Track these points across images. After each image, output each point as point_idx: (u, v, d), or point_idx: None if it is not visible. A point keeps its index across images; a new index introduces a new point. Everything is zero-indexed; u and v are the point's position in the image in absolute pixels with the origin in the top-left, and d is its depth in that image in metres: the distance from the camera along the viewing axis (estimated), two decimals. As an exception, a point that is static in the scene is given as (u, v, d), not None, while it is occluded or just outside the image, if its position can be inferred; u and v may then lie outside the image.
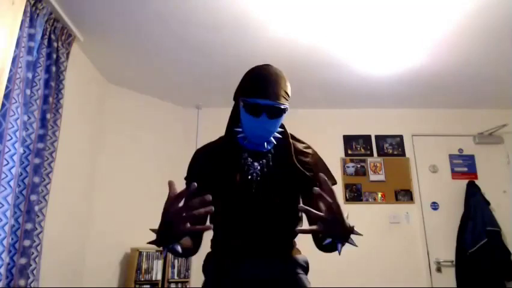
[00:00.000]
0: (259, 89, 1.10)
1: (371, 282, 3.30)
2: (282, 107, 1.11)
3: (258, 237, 1.17)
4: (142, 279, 2.98)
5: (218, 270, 1.18)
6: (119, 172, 3.33)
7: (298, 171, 1.19)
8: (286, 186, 1.19)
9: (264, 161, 1.20)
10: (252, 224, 1.17)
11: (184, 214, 0.87)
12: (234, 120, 1.23)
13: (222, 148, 1.24)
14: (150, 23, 2.52)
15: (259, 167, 1.19)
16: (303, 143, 1.29)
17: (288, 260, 1.18)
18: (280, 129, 1.21)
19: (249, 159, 1.20)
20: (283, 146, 1.22)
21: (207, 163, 1.23)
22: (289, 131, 1.27)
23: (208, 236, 1.21)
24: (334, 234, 0.94)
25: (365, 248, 3.41)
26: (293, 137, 1.27)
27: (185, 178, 1.26)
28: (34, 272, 2.06)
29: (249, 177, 1.18)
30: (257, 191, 1.16)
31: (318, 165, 1.24)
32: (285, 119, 1.22)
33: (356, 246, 0.98)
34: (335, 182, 1.23)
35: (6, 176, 1.82)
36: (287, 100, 1.14)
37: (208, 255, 1.26)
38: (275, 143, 1.21)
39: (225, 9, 2.35)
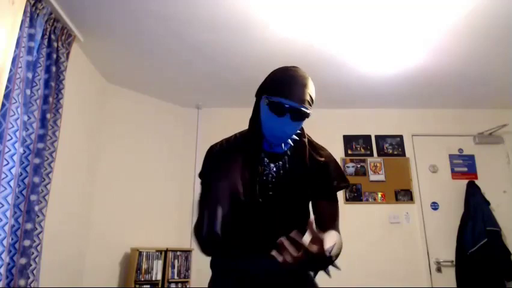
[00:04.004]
0: (287, 90, 1.09)
1: (371, 282, 3.29)
2: (306, 111, 1.11)
3: (269, 235, 1.18)
4: (142, 279, 2.97)
5: (227, 265, 1.19)
6: (119, 172, 3.33)
7: (311, 175, 1.21)
8: (299, 189, 1.21)
9: (280, 163, 1.21)
10: (264, 222, 1.19)
11: None
12: (255, 118, 1.21)
13: (241, 148, 1.22)
14: (150, 23, 2.52)
15: (275, 169, 1.20)
16: (318, 145, 1.30)
17: None
18: (297, 131, 1.22)
19: (266, 159, 1.21)
20: (299, 148, 1.23)
21: (223, 160, 1.21)
22: None
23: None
24: (312, 264, 0.94)
25: (364, 248, 3.44)
26: (310, 140, 1.28)
27: (200, 175, 1.26)
28: (34, 272, 2.06)
29: (264, 178, 1.19)
30: (272, 192, 1.18)
31: (331, 166, 1.25)
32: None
33: (339, 269, 0.98)
34: (347, 185, 1.26)
35: (6, 176, 1.82)
36: (310, 106, 1.14)
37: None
38: (292, 144, 1.21)
39: (225, 9, 2.35)
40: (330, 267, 0.98)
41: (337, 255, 1.06)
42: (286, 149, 1.22)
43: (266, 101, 1.13)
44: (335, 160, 1.29)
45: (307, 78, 1.14)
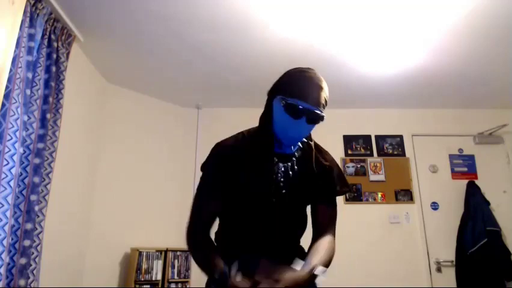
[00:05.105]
0: (304, 92, 1.09)
1: (371, 282, 3.29)
2: (321, 114, 1.11)
3: (272, 235, 1.20)
4: (142, 279, 2.97)
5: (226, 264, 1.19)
6: (119, 172, 3.33)
7: (317, 178, 1.22)
8: (304, 191, 1.22)
9: (289, 164, 1.21)
10: (269, 222, 1.19)
11: None
12: (267, 117, 1.20)
13: (252, 148, 1.20)
14: (150, 23, 2.52)
15: (283, 169, 1.20)
16: (323, 148, 1.31)
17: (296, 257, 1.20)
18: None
19: (275, 159, 1.21)
20: (306, 150, 1.24)
21: (231, 159, 1.19)
22: None
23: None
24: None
25: (364, 248, 3.44)
26: (316, 144, 1.29)
27: (203, 168, 1.24)
28: (34, 272, 2.06)
29: (274, 176, 1.19)
30: (280, 192, 1.19)
31: (335, 171, 1.27)
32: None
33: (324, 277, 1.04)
34: (347, 190, 1.29)
35: (6, 176, 1.82)
36: (324, 109, 1.14)
37: None
38: (301, 146, 1.23)
39: (225, 9, 2.35)
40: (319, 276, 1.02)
41: (327, 265, 1.09)
42: (295, 150, 1.23)
43: (283, 102, 1.11)
44: (337, 165, 1.31)
45: (322, 81, 1.14)
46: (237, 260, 1.15)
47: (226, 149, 1.22)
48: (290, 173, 1.20)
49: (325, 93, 1.13)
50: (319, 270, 1.01)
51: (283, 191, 1.19)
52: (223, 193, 1.21)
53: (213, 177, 1.21)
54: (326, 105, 1.15)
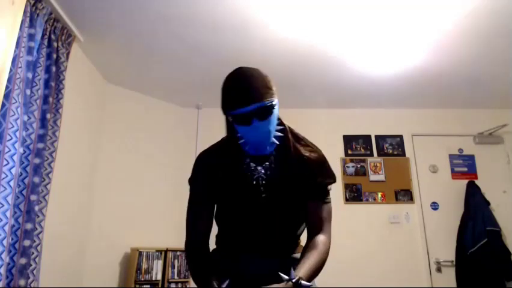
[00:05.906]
0: (237, 99, 1.07)
1: (371, 282, 3.29)
2: (268, 104, 1.06)
3: (266, 238, 1.19)
4: (142, 279, 2.97)
5: (224, 266, 1.20)
6: (119, 172, 3.33)
7: (298, 169, 1.18)
8: (291, 187, 1.19)
9: (267, 163, 1.19)
10: (260, 226, 1.19)
11: None
12: (230, 130, 1.21)
13: (225, 153, 1.22)
14: (150, 23, 2.52)
15: (263, 171, 1.18)
16: (303, 138, 1.26)
17: (294, 260, 1.19)
18: (279, 127, 1.18)
19: (252, 164, 1.18)
20: (284, 144, 1.19)
21: (211, 167, 1.21)
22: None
23: (213, 232, 1.26)
24: None
25: (364, 248, 3.44)
26: (293, 133, 1.23)
27: (190, 181, 1.26)
28: (34, 272, 2.06)
29: (254, 182, 1.17)
30: (264, 195, 1.17)
31: (316, 162, 1.21)
32: (284, 120, 1.22)
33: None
34: (332, 181, 1.22)
35: (6, 176, 1.82)
36: (271, 95, 1.09)
37: (213, 252, 1.28)
38: (277, 143, 1.17)
39: (225, 9, 2.35)
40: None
41: (318, 272, 1.09)
42: (271, 149, 1.19)
43: (230, 118, 1.13)
44: (321, 154, 1.24)
45: (249, 76, 1.09)
46: (236, 263, 1.15)
47: (207, 156, 1.25)
48: (269, 173, 1.18)
49: (259, 84, 1.07)
50: (304, 284, 0.99)
51: (265, 193, 1.17)
52: (214, 198, 1.23)
53: (201, 185, 1.23)
54: (270, 90, 1.09)
